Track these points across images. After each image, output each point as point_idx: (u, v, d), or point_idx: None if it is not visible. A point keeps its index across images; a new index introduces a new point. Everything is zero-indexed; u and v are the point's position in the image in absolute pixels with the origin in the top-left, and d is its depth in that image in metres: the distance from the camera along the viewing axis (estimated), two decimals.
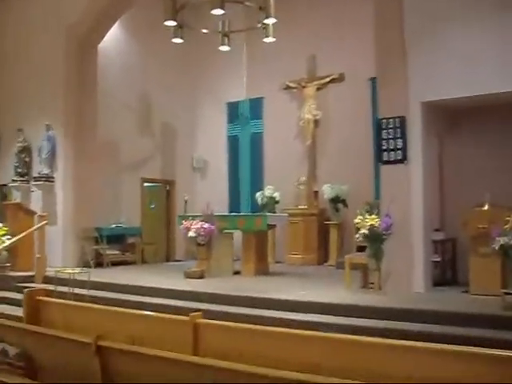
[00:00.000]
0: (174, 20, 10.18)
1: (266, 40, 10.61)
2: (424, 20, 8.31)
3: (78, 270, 9.28)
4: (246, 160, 15.16)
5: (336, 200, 12.90)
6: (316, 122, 13.85)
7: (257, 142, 14.96)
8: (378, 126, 8.59)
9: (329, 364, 3.76)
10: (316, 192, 13.60)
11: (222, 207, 14.61)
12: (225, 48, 11.16)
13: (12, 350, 4.53)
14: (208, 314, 7.66)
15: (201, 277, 10.36)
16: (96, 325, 5.09)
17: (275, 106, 14.60)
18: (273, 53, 14.00)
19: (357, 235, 8.31)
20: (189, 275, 10.42)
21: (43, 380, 4.36)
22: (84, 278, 8.93)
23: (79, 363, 4.05)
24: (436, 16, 8.22)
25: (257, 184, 14.70)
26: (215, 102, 15.79)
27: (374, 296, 8.01)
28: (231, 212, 14.39)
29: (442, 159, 9.85)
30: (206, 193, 15.35)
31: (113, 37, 14.11)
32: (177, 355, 3.59)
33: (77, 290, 8.90)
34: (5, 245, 10.82)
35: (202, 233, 10.46)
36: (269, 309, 7.65)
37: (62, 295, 8.61)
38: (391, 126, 8.39)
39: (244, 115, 15.17)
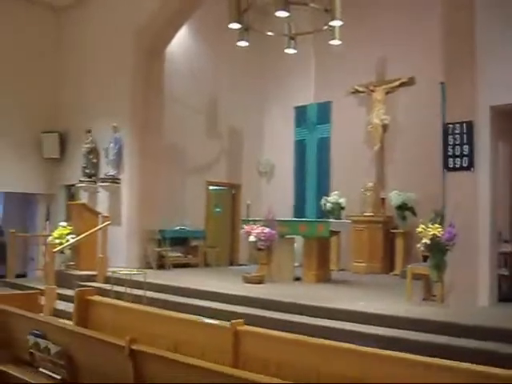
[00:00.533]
0: (239, 22, 10.13)
1: (333, 43, 10.46)
2: (496, 25, 7.88)
3: (134, 270, 9.30)
4: (313, 165, 14.91)
5: (403, 207, 12.49)
6: (384, 127, 13.49)
7: (324, 146, 14.70)
8: (445, 132, 8.19)
9: (370, 380, 3.55)
10: (383, 199, 13.22)
11: (287, 212, 14.48)
12: (291, 51, 11.04)
13: (54, 348, 4.52)
14: (258, 320, 7.61)
15: (260, 282, 10.22)
16: (141, 327, 5.04)
17: (343, 111, 14.31)
18: (341, 56, 13.85)
19: (418, 245, 7.95)
20: (248, 280, 10.30)
21: (83, 380, 4.33)
22: (140, 278, 8.94)
23: (115, 365, 3.99)
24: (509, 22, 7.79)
25: (323, 189, 14.42)
26: (283, 105, 15.64)
27: (435, 309, 7.63)
28: (296, 217, 14.22)
29: None
30: (272, 197, 15.27)
31: (181, 40, 14.24)
32: (207, 364, 3.45)
33: (135, 291, 8.95)
34: (68, 243, 11.02)
35: (263, 237, 10.33)
36: (323, 318, 7.43)
37: (119, 295, 8.74)
38: (458, 132, 7.98)
39: (311, 120, 14.95)
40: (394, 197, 12.54)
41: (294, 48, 11.02)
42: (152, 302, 9.00)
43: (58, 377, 4.41)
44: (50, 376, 4.50)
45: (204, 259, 14.19)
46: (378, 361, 3.60)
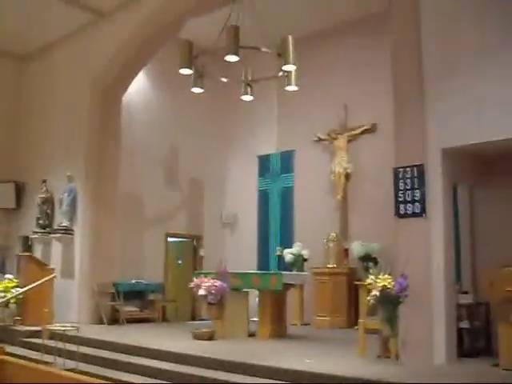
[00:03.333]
0: (190, 68, 9.78)
1: (289, 88, 10.09)
2: (443, 64, 7.59)
3: (68, 326, 8.68)
4: (277, 215, 14.49)
5: (366, 258, 12.00)
6: (347, 176, 13.11)
7: (287, 196, 14.31)
8: (395, 176, 7.77)
9: None
10: (346, 250, 12.73)
11: (251, 264, 13.97)
12: (247, 98, 10.67)
13: None
14: (194, 379, 7.03)
15: (210, 338, 9.60)
16: None
17: (306, 159, 14.01)
18: (303, 103, 13.66)
19: (368, 297, 7.41)
20: (197, 336, 9.67)
21: None
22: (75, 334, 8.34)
23: None
24: (455, 59, 7.50)
25: (286, 240, 13.96)
26: (246, 154, 15.28)
27: (386, 367, 7.05)
28: (260, 269, 13.69)
29: (474, 212, 8.87)
30: (236, 249, 14.83)
31: (139, 88, 14.00)
32: None
33: (73, 347, 8.34)
34: (8, 297, 10.41)
35: (213, 291, 9.75)
36: (263, 377, 6.84)
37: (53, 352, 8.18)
38: (409, 176, 7.58)
39: (274, 169, 14.59)
40: (357, 247, 12.07)
41: (251, 95, 10.66)
42: (88, 359, 8.43)
43: None
44: None
45: (162, 314, 13.51)
46: None
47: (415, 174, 7.54)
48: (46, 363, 7.64)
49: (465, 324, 8.04)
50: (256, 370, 7.07)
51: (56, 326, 8.63)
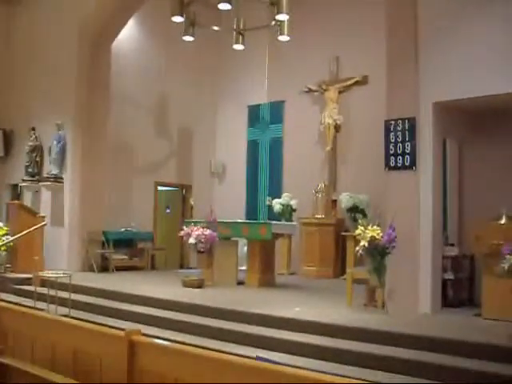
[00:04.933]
0: (181, 16, 9.63)
1: (281, 38, 10.01)
2: (438, 19, 7.55)
3: (60, 273, 8.77)
4: (266, 166, 14.53)
5: (354, 210, 12.10)
6: (337, 127, 13.08)
7: (276, 147, 14.32)
8: (386, 128, 7.80)
9: None
10: (334, 201, 12.82)
11: (239, 214, 14.05)
12: (239, 47, 10.58)
13: None
14: (185, 326, 7.18)
15: (199, 286, 9.76)
16: (41, 334, 4.63)
17: (296, 110, 13.96)
18: (295, 55, 13.57)
19: (357, 248, 7.53)
20: (186, 284, 9.82)
21: None
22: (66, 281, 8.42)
23: None
24: (450, 15, 7.46)
25: (275, 191, 14.02)
26: (236, 104, 15.20)
27: (373, 316, 7.22)
28: (249, 219, 13.78)
29: (463, 167, 8.95)
30: (224, 198, 14.87)
31: (129, 35, 13.78)
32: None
33: (64, 294, 8.45)
34: None
35: (203, 239, 9.87)
36: (255, 325, 6.99)
37: (45, 299, 8.28)
38: (399, 129, 7.61)
39: (264, 119, 14.55)
40: (345, 199, 12.14)
41: (243, 44, 10.55)
42: (80, 306, 8.56)
43: None
44: None
45: (151, 262, 13.65)
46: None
47: (406, 127, 7.58)
48: (39, 310, 7.74)
49: (449, 275, 8.21)
50: (248, 317, 7.22)
51: (48, 273, 8.68)
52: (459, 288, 8.37)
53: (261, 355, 4.86)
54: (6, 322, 5.08)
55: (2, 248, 11.07)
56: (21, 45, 14.18)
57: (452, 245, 8.45)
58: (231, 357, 3.59)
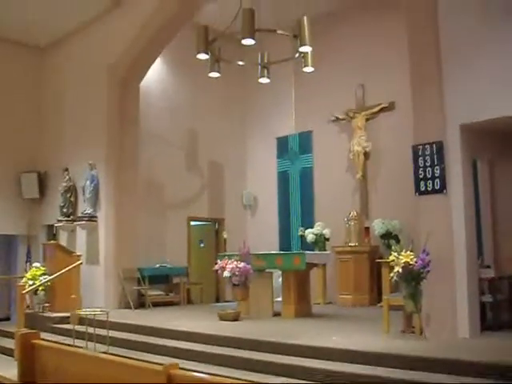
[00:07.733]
0: (207, 53, 9.81)
1: (306, 70, 10.10)
2: (461, 37, 7.57)
3: (97, 310, 8.88)
4: (297, 196, 14.57)
5: (387, 236, 12.05)
6: (366, 154, 13.13)
7: (307, 176, 14.37)
8: (414, 154, 7.80)
9: None
10: (367, 228, 12.79)
11: (273, 245, 14.06)
12: (264, 80, 10.71)
13: None
14: (222, 359, 7.19)
15: (235, 319, 9.75)
16: (81, 371, 4.66)
17: (324, 140, 14.04)
18: (320, 84, 13.72)
19: (391, 274, 7.48)
20: (222, 317, 9.84)
21: None
22: (104, 318, 8.53)
23: None
24: (473, 33, 7.47)
25: (307, 220, 14.04)
26: (264, 136, 15.35)
27: (410, 342, 7.14)
28: (282, 250, 13.79)
29: (495, 187, 8.88)
30: (257, 230, 14.94)
31: (156, 75, 14.13)
32: None
33: (102, 332, 8.54)
34: (36, 285, 10.64)
35: (237, 272, 9.89)
36: (290, 355, 6.96)
37: (83, 337, 8.37)
38: (428, 153, 7.60)
39: (293, 150, 14.65)
40: (378, 225, 12.11)
41: (268, 77, 10.69)
42: (118, 342, 8.64)
43: None
44: None
45: (187, 297, 13.73)
46: None
47: (434, 151, 7.56)
48: (78, 347, 7.83)
49: (488, 298, 8.10)
50: (285, 348, 7.19)
51: (86, 311, 8.80)
52: (498, 311, 8.24)
53: None
54: (45, 360, 5.15)
55: (41, 288, 11.28)
56: (52, 90, 14.65)
57: (488, 267, 8.35)
58: None
